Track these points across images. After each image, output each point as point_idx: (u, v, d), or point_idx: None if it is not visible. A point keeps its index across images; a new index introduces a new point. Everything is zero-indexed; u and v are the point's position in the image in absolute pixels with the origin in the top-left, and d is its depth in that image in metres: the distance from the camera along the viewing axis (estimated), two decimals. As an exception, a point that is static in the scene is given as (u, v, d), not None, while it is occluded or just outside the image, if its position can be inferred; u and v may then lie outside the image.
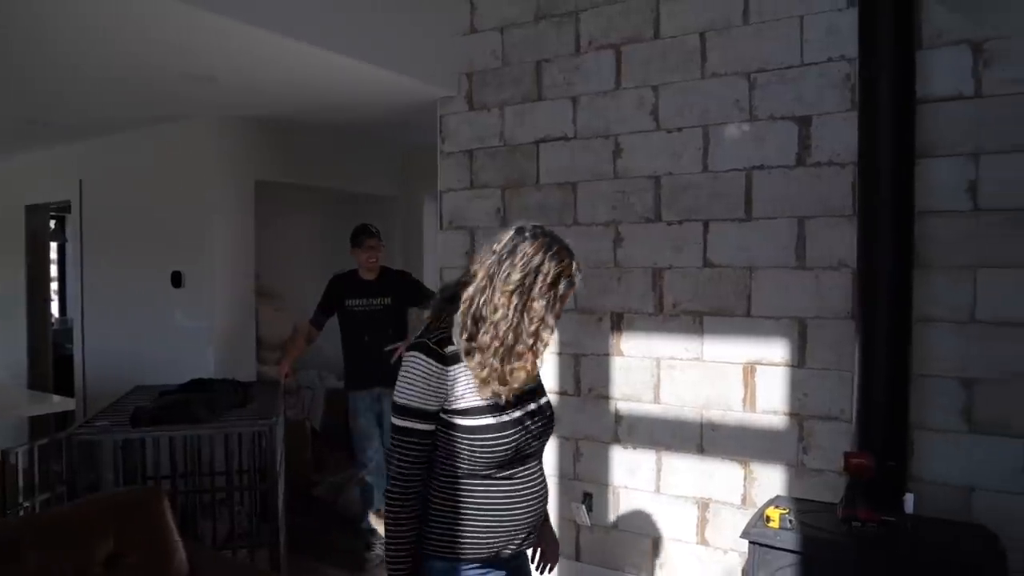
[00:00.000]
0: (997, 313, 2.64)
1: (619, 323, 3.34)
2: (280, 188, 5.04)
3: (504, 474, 1.64)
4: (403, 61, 3.46)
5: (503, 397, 1.59)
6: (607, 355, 3.38)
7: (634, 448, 3.34)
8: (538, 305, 1.57)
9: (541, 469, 1.75)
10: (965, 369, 2.68)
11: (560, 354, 3.50)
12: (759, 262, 3.03)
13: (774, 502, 2.77)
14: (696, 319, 3.17)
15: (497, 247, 1.62)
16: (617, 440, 3.37)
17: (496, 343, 1.56)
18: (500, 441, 1.60)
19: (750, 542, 2.55)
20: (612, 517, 3.41)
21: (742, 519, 2.90)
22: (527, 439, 1.67)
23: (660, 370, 3.26)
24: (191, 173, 4.46)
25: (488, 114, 3.72)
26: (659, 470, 3.28)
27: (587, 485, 3.45)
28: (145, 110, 4.23)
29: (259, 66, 3.36)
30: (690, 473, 3.21)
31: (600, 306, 3.39)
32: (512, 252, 1.59)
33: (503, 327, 1.55)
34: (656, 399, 3.27)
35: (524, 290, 1.56)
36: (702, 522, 3.20)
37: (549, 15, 3.53)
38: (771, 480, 3.02)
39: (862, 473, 2.49)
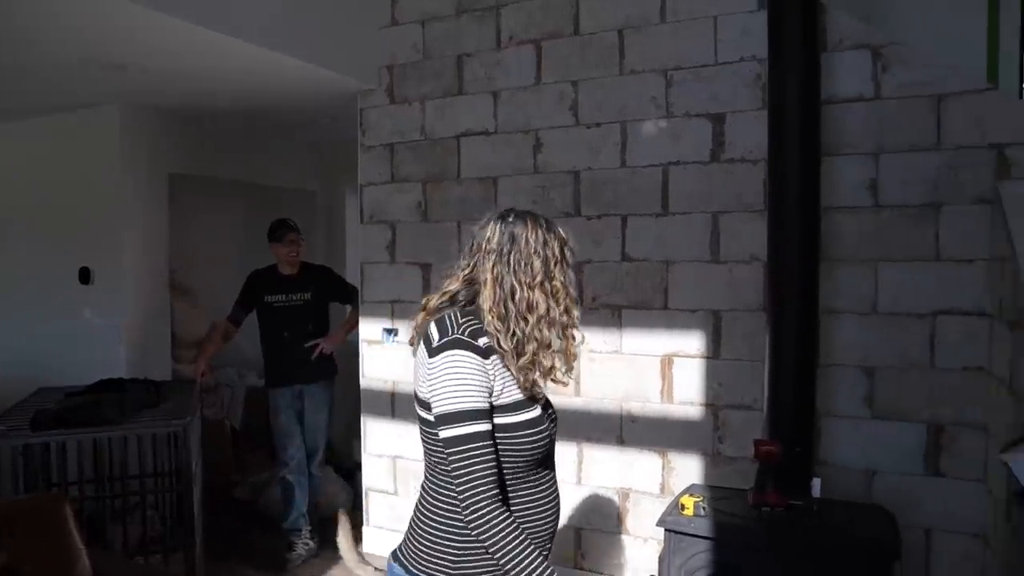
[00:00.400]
0: (896, 305, 2.78)
1: (540, 317, 3.37)
2: (197, 181, 4.87)
3: (532, 477, 1.56)
4: (323, 53, 3.39)
5: (542, 388, 1.56)
6: (528, 349, 3.40)
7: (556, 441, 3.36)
8: (558, 283, 1.54)
9: (555, 473, 1.68)
10: (867, 358, 2.81)
11: (482, 348, 3.51)
12: (676, 256, 3.10)
13: (689, 490, 2.85)
14: (615, 312, 3.23)
15: (490, 244, 1.54)
16: (539, 433, 3.40)
17: (545, 335, 1.51)
18: (541, 435, 1.53)
19: (666, 530, 2.61)
20: (535, 509, 3.44)
21: (661, 507, 2.95)
22: (554, 432, 1.63)
23: (581, 363, 3.29)
24: (99, 164, 4.26)
25: (409, 108, 3.69)
26: (581, 462, 3.33)
27: (510, 478, 3.47)
28: (48, 97, 4.02)
29: (173, 56, 3.24)
30: (611, 464, 3.27)
31: (521, 300, 3.41)
32: (513, 241, 1.53)
33: (549, 317, 1.52)
34: (577, 392, 3.31)
35: (546, 274, 1.52)
36: (623, 512, 3.26)
37: (470, 9, 3.52)
38: (688, 469, 3.10)
39: (771, 459, 2.58)
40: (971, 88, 2.71)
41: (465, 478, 1.41)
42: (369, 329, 3.85)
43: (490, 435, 1.45)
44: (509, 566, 1.40)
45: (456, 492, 1.44)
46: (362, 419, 3.89)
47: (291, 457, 3.96)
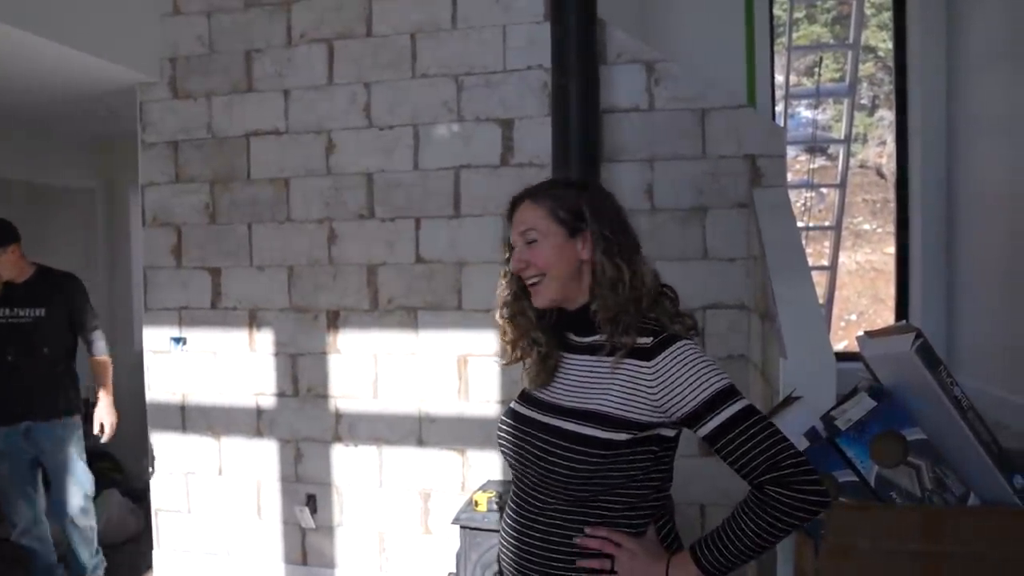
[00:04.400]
0: (671, 301, 3.00)
1: (335, 320, 3.32)
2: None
3: None
4: (92, 39, 3.10)
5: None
6: (324, 353, 3.34)
7: (356, 445, 3.33)
8: None
9: None
10: (646, 351, 3.02)
11: (277, 354, 3.40)
12: (468, 257, 3.16)
13: (484, 487, 2.92)
14: (411, 314, 3.24)
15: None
16: (338, 439, 3.34)
17: None
18: None
19: (460, 527, 2.66)
20: (337, 516, 3.37)
21: (462, 504, 3.02)
22: None
23: (378, 366, 3.29)
24: None
25: (194, 103, 3.49)
26: (381, 465, 3.30)
27: (310, 487, 3.38)
28: None
29: None
30: (412, 466, 3.27)
31: (315, 304, 3.34)
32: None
33: None
34: (375, 395, 3.29)
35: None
36: (425, 512, 3.28)
37: (260, 3, 3.39)
38: (486, 465, 3.17)
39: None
40: (730, 104, 3.01)
41: (789, 446, 1.22)
42: (154, 339, 3.59)
43: None
44: (770, 540, 1.23)
45: (778, 463, 1.21)
46: (149, 435, 3.62)
47: (21, 517, 3.20)
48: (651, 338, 1.29)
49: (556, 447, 1.30)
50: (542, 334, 1.41)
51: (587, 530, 1.29)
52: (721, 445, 1.24)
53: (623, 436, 1.27)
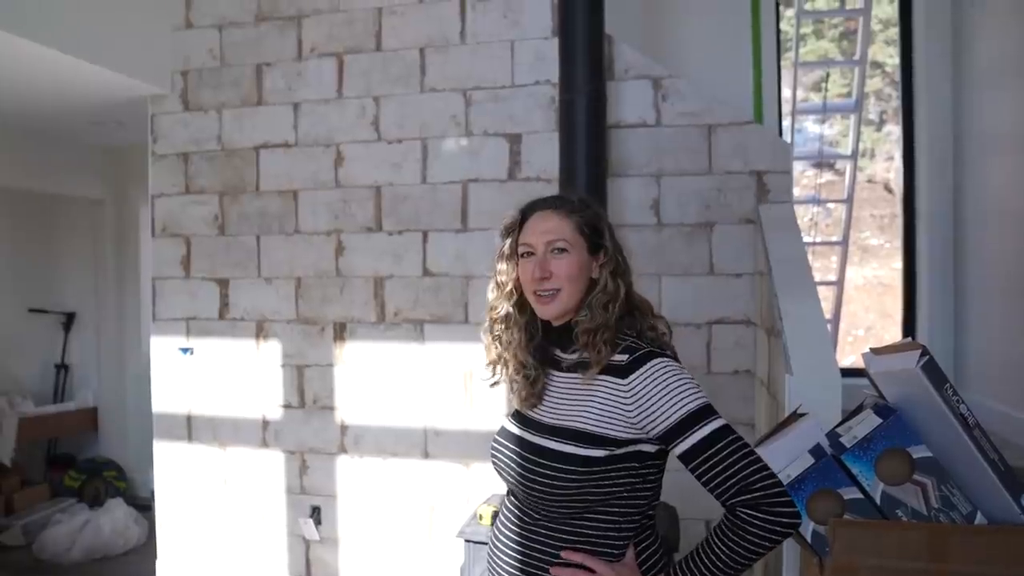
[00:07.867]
0: (677, 316, 3.00)
1: (342, 332, 3.33)
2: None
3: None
4: (105, 52, 3.14)
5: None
6: (331, 365, 3.35)
7: (361, 457, 3.33)
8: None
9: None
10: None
11: (283, 366, 3.41)
12: (475, 271, 3.18)
13: (488, 500, 2.91)
14: (417, 327, 3.25)
15: None
16: (344, 450, 3.35)
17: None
18: None
19: (465, 540, 2.65)
20: (342, 528, 3.37)
21: (466, 518, 3.01)
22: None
23: (384, 378, 3.29)
24: None
25: (205, 116, 3.52)
26: (387, 477, 3.30)
27: (315, 498, 3.38)
28: None
29: None
30: (417, 478, 3.27)
31: (322, 316, 3.35)
32: None
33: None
34: (381, 407, 3.29)
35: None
36: (431, 524, 3.27)
37: (271, 17, 3.42)
38: (491, 479, 3.15)
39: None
40: (736, 119, 3.02)
41: (762, 468, 1.22)
42: (162, 348, 3.61)
43: None
44: (745, 562, 1.23)
45: (749, 485, 1.21)
46: (154, 446, 3.63)
47: None
48: (627, 355, 1.30)
49: (536, 464, 1.32)
50: (530, 357, 1.42)
51: (563, 554, 1.31)
52: (694, 465, 1.24)
53: (600, 453, 1.28)
